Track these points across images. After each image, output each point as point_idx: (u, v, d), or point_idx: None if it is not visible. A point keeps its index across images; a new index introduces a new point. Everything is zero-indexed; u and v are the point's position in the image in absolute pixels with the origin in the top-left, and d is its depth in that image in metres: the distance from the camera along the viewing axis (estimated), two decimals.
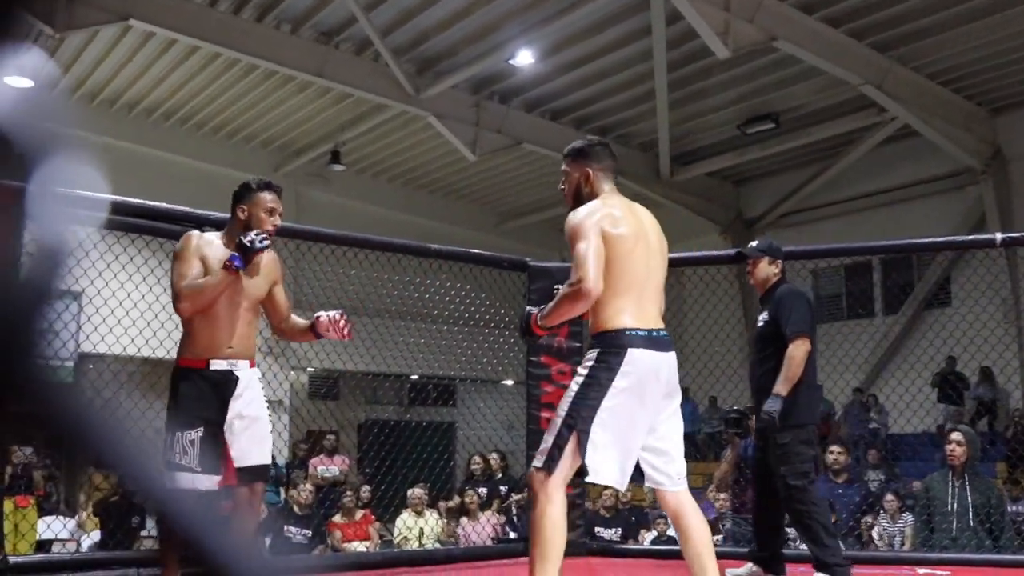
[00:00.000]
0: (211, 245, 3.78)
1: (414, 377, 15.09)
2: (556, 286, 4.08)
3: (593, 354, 3.28)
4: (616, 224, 3.31)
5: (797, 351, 4.50)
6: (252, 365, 3.85)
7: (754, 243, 5.00)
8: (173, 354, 3.84)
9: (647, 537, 8.97)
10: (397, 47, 12.92)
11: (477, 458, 9.96)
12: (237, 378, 3.74)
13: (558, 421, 3.24)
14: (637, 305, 3.29)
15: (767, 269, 4.86)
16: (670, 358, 3.32)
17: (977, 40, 12.41)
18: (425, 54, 13.27)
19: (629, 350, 3.23)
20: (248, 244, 3.61)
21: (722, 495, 8.34)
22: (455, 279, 6.50)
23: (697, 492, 4.28)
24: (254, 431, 3.77)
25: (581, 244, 3.26)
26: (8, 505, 8.61)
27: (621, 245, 3.28)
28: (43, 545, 9.23)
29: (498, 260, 6.14)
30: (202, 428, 3.61)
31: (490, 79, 14.10)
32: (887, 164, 15.49)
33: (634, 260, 3.30)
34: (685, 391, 4.64)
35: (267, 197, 3.90)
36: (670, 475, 3.32)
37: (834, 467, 7.48)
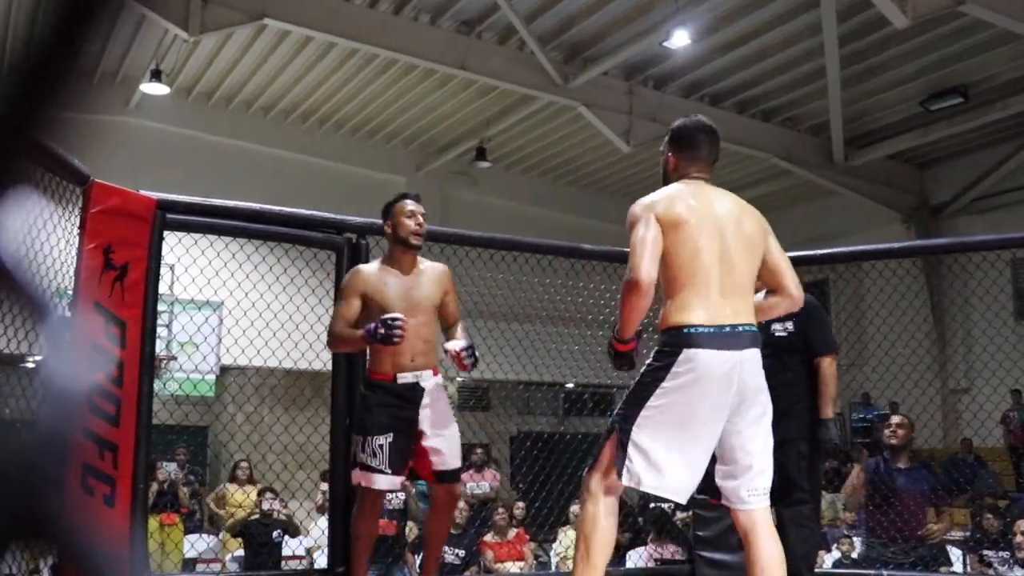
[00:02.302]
0: (372, 277, 4.39)
1: (569, 386, 15.13)
2: None
3: (653, 352, 3.27)
4: (675, 210, 3.27)
5: (833, 369, 4.77)
6: (435, 373, 4.37)
7: None
8: (316, 365, 4.13)
9: (828, 560, 8.73)
10: (543, 34, 12.99)
11: None
12: (423, 388, 4.29)
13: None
14: (706, 298, 3.20)
15: None
16: (748, 357, 3.20)
17: None
18: (572, 40, 13.30)
19: (685, 350, 3.15)
20: (387, 328, 4.07)
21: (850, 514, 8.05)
22: (610, 280, 6.49)
23: None
24: (447, 436, 4.33)
25: (633, 233, 3.27)
26: (153, 523, 9.04)
27: (682, 232, 3.23)
28: (188, 564, 9.65)
29: None
30: (391, 435, 4.21)
31: (643, 64, 14.03)
32: None
33: (700, 248, 3.21)
34: (866, 396, 4.61)
35: (406, 204, 4.55)
36: (739, 493, 3.24)
37: None
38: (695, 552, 5.61)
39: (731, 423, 3.20)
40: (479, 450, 11.20)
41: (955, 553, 8.20)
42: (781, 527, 4.51)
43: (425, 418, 4.26)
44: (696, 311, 3.19)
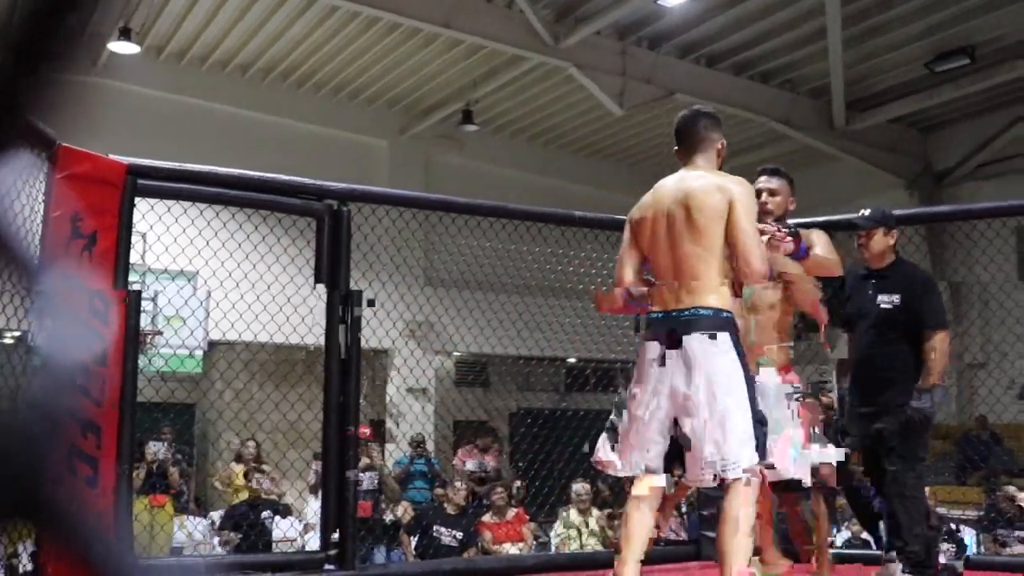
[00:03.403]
0: None
1: (571, 361, 15.13)
2: None
3: None
4: (634, 215, 3.85)
5: (944, 344, 4.77)
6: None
7: (866, 212, 4.95)
8: (309, 340, 4.06)
9: (838, 539, 8.74)
10: None
11: None
12: None
13: None
14: (659, 287, 3.61)
15: (883, 241, 4.98)
16: (685, 339, 3.47)
17: None
18: None
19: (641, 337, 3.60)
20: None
21: None
22: (602, 249, 6.47)
23: None
24: None
25: None
26: (140, 505, 9.01)
27: (639, 234, 3.76)
28: (176, 549, 9.63)
29: None
30: None
31: (637, 23, 13.94)
32: None
33: (654, 242, 3.68)
34: None
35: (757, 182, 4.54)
36: (686, 466, 3.53)
37: None
38: (700, 532, 5.64)
39: (683, 401, 3.51)
40: (485, 438, 11.24)
41: (968, 533, 8.22)
42: (888, 501, 4.75)
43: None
44: (651, 300, 3.66)
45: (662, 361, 3.48)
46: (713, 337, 3.47)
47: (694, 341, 3.46)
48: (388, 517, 9.56)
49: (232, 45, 14.59)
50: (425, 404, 13.82)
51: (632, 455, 3.60)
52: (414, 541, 8.87)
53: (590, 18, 13.33)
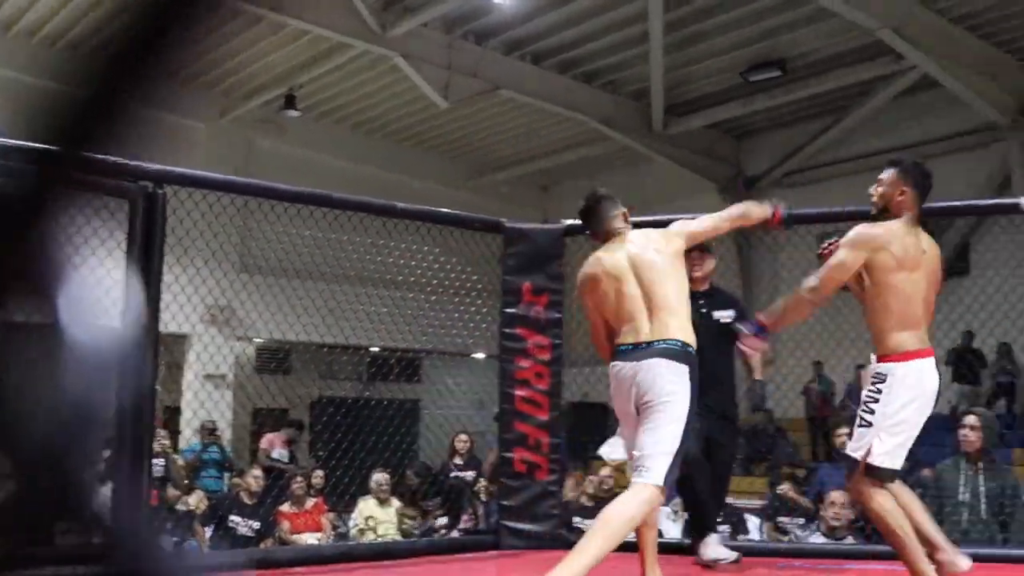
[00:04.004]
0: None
1: (375, 350, 15.09)
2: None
3: None
4: (586, 285, 4.16)
5: None
6: None
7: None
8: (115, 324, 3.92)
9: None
10: None
11: (464, 436, 9.94)
12: None
13: None
14: (626, 325, 3.98)
15: (712, 265, 5.47)
16: (636, 368, 3.89)
17: None
18: None
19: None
20: None
21: None
22: (422, 241, 6.50)
23: None
24: None
25: None
26: None
27: (596, 299, 4.12)
28: None
29: (470, 220, 6.15)
30: None
31: (465, 16, 14.03)
32: (904, 118, 15.52)
33: (618, 292, 4.02)
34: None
35: None
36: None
37: (842, 450, 7.46)
38: (500, 522, 5.71)
39: (637, 424, 3.93)
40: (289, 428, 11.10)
41: (753, 521, 8.64)
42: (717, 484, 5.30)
43: None
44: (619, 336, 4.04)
45: (619, 387, 3.97)
46: (672, 362, 3.90)
47: (659, 364, 3.87)
48: (181, 507, 9.34)
49: (35, 18, 13.97)
50: (224, 391, 13.59)
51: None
52: (209, 531, 8.70)
53: (418, 9, 13.33)
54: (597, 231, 4.29)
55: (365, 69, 15.30)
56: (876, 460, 3.91)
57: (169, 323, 5.21)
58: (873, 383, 3.99)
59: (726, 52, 14.61)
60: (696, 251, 5.15)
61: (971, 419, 6.24)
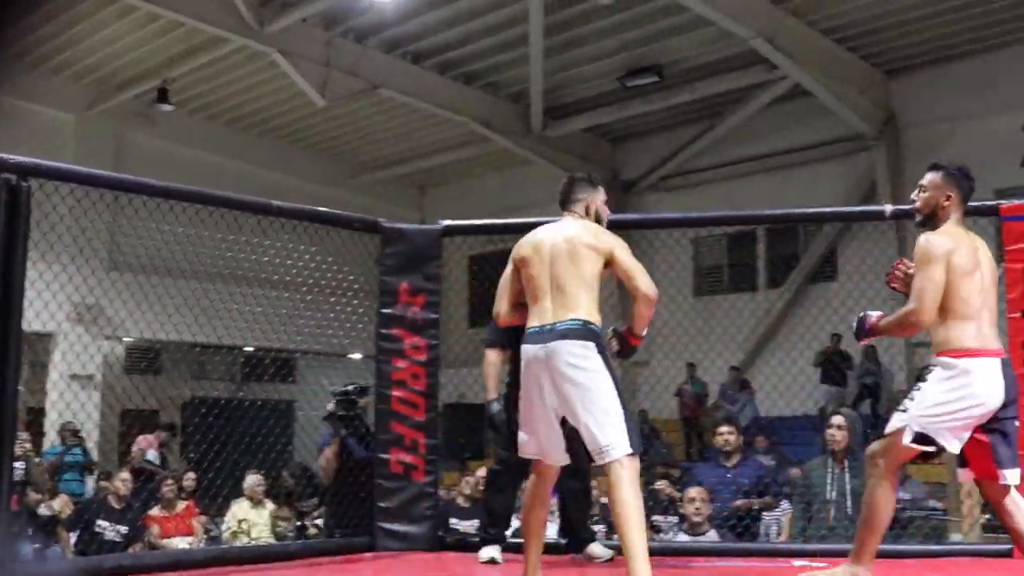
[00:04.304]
0: None
1: (249, 349, 14.87)
2: None
3: None
4: (518, 253, 4.27)
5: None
6: None
7: None
8: None
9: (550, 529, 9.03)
10: None
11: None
12: None
13: None
14: (536, 306, 4.10)
15: None
16: (546, 350, 3.94)
17: None
18: None
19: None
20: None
21: None
22: (299, 240, 6.42)
23: None
24: None
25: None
26: None
27: (523, 269, 4.21)
28: None
29: (347, 220, 6.08)
30: None
31: (345, 14, 13.90)
32: (775, 126, 15.93)
33: (538, 273, 4.12)
34: None
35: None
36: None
37: (725, 449, 7.57)
38: (376, 524, 5.67)
39: (560, 403, 3.94)
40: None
41: None
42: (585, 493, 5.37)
43: None
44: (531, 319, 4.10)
45: (539, 363, 3.97)
46: (576, 342, 3.93)
47: (566, 345, 3.92)
48: (44, 511, 9.05)
49: None
50: (92, 392, 13.24)
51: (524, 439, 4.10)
52: (74, 537, 8.46)
53: (297, 5, 13.18)
54: (562, 209, 4.44)
55: (241, 64, 15.05)
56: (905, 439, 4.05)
57: (33, 321, 5.04)
58: (923, 373, 4.08)
59: (605, 57, 14.79)
60: None
61: (838, 419, 6.43)
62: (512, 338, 5.16)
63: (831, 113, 14.80)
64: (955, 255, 3.99)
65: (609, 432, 3.80)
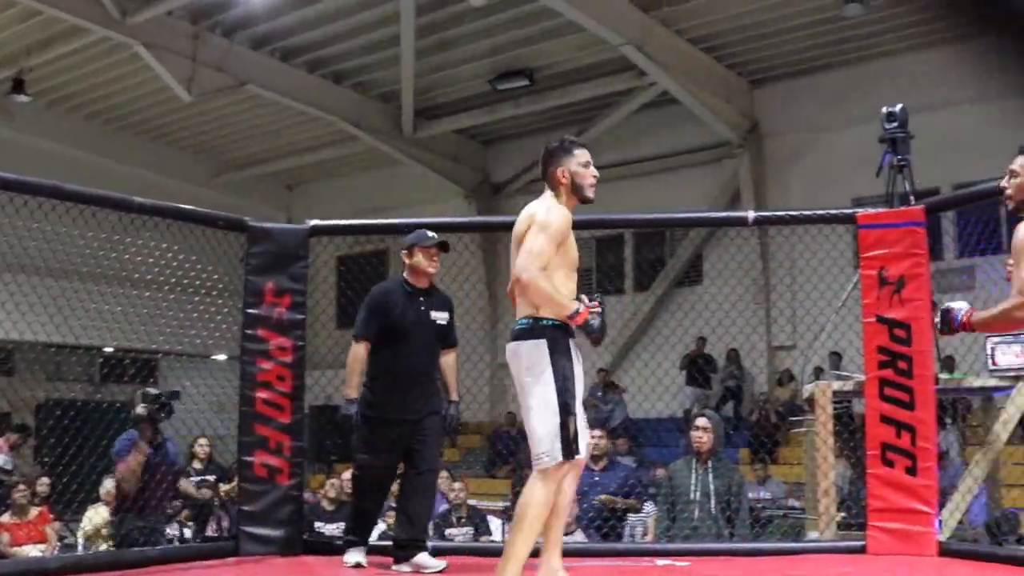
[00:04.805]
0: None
1: (108, 350, 14.47)
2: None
3: None
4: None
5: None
6: None
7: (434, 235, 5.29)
8: None
9: (374, 532, 9.00)
10: None
11: (203, 440, 9.65)
12: None
13: None
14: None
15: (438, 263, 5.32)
16: (508, 350, 3.94)
17: (739, 7, 13.19)
18: None
19: None
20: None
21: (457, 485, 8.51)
22: (162, 237, 6.27)
23: None
24: None
25: None
26: None
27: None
28: None
29: (212, 218, 5.96)
30: None
31: (212, 8, 13.66)
32: (644, 132, 16.18)
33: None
34: None
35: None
36: None
37: (593, 453, 7.64)
38: (239, 528, 5.58)
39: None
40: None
41: (495, 522, 8.79)
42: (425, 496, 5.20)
43: None
44: None
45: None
46: (523, 342, 3.88)
47: (515, 347, 3.90)
48: None
49: None
50: None
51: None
52: None
53: None
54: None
55: (103, 56, 14.64)
56: None
57: None
58: None
59: (476, 59, 14.85)
60: (438, 248, 5.18)
61: (702, 421, 6.55)
62: (382, 331, 5.12)
63: (698, 120, 15.12)
64: None
65: (536, 442, 3.83)
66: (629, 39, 13.13)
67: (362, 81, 15.86)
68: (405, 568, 5.05)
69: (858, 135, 13.95)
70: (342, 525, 8.62)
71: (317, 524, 8.17)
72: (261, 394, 5.59)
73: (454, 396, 5.32)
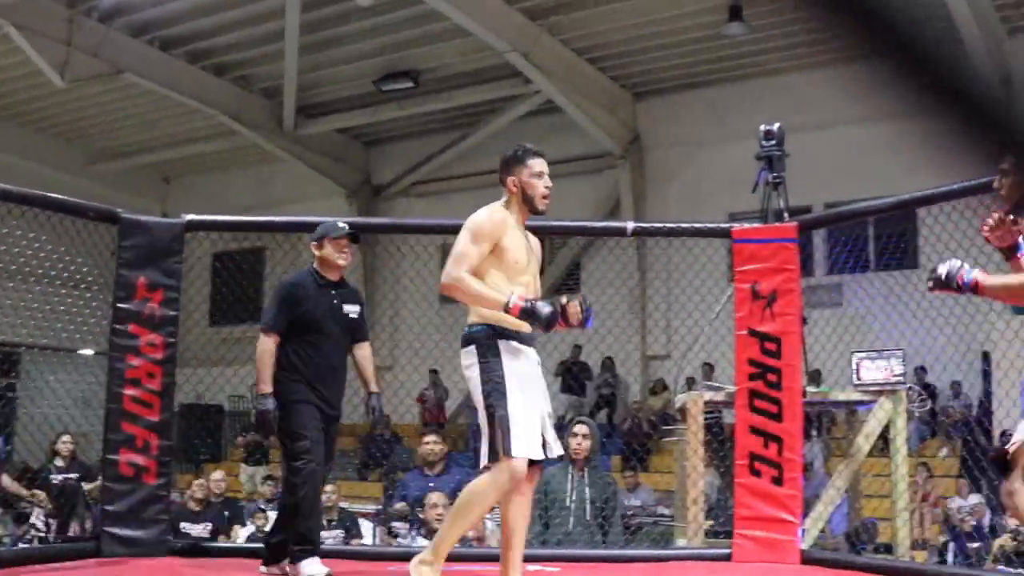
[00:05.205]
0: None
1: None
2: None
3: None
4: None
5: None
6: None
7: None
8: None
9: (242, 533, 8.89)
10: None
11: (67, 437, 9.38)
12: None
13: None
14: None
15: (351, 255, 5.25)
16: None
17: (625, 20, 13.37)
18: None
19: None
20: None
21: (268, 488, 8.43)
22: (28, 227, 6.07)
23: None
24: None
25: None
26: None
27: None
28: None
29: (83, 208, 5.79)
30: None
31: None
32: (527, 139, 15.62)
33: None
34: None
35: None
36: None
37: (428, 458, 7.66)
38: (102, 528, 5.43)
39: None
40: None
41: (367, 526, 8.76)
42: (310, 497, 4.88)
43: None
44: None
45: None
46: (462, 349, 3.98)
47: (462, 355, 3.98)
48: None
49: None
50: None
51: None
52: None
53: None
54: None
55: None
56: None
57: None
58: None
59: (362, 59, 14.77)
60: (347, 239, 5.07)
61: (582, 428, 6.59)
62: (293, 324, 5.00)
63: (581, 130, 15.28)
64: None
65: (483, 444, 3.86)
66: (515, 46, 13.21)
67: (244, 75, 15.63)
68: (276, 570, 4.94)
69: (737, 151, 14.25)
70: (208, 526, 8.51)
71: (184, 525, 8.02)
72: (129, 391, 5.45)
73: (374, 388, 5.24)
